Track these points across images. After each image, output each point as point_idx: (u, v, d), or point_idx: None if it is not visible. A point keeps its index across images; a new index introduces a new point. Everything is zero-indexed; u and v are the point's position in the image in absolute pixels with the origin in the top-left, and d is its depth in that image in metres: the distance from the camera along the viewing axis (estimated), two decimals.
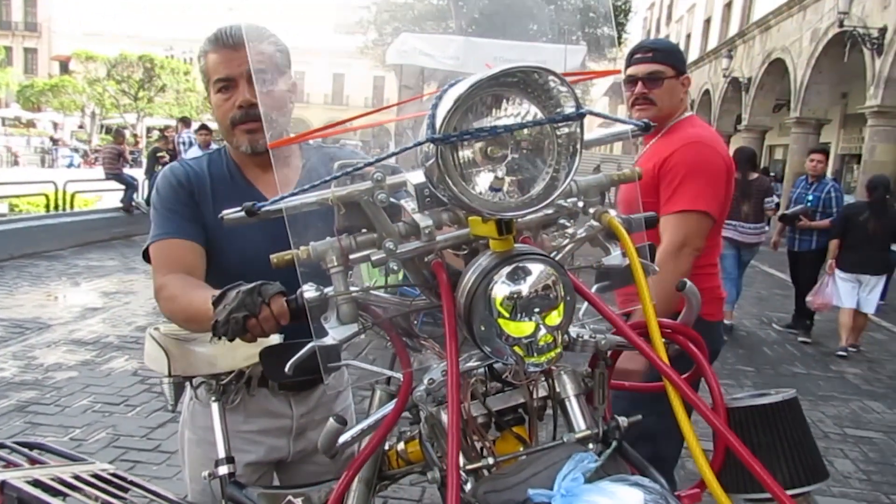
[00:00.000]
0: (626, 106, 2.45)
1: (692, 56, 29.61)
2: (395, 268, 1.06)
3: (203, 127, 11.08)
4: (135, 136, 27.74)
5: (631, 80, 2.39)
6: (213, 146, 9.59)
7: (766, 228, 7.37)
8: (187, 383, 1.69)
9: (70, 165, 28.88)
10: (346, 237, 1.07)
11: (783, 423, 1.11)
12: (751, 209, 6.79)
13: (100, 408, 4.38)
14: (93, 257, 9.64)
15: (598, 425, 1.13)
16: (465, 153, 0.93)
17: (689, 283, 1.15)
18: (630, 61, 2.43)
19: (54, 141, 34.38)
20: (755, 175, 7.11)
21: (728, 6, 25.38)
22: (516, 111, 0.92)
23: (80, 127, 40.50)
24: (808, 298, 6.87)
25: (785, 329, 7.29)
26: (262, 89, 1.54)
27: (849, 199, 9.94)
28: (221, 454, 1.57)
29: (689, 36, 31.48)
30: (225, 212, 1.07)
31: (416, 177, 1.10)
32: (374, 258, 1.06)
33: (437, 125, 0.86)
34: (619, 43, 26.58)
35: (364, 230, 1.08)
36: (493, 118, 0.92)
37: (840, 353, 6.69)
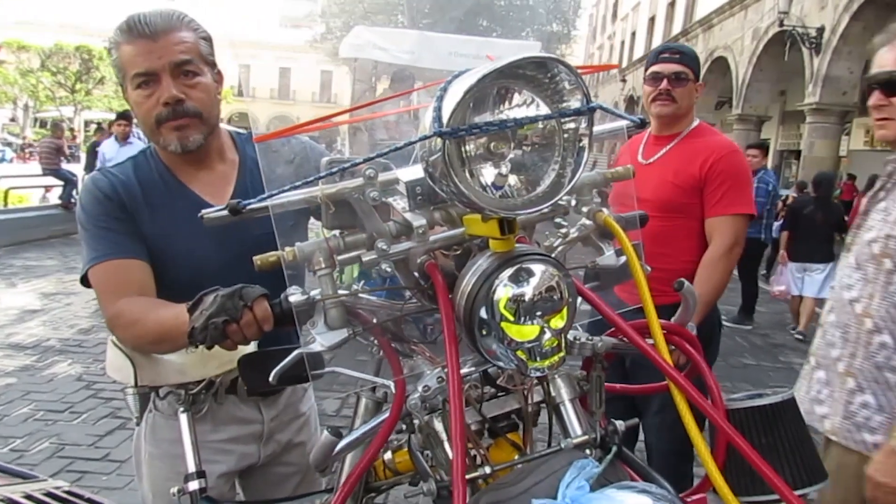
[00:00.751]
0: (646, 101, 2.64)
1: (637, 54, 30.18)
2: (388, 269, 1.01)
3: (122, 116, 9.29)
4: (72, 129, 26.74)
5: (655, 77, 2.57)
6: (134, 141, 8.87)
7: None
8: (153, 394, 1.58)
9: (2, 160, 27.73)
10: (334, 237, 1.01)
11: (784, 424, 1.10)
12: None
13: (42, 416, 4.16)
14: (30, 257, 9.24)
15: (594, 430, 1.09)
16: (469, 148, 0.88)
17: (686, 282, 1.12)
18: (656, 59, 2.60)
19: None
20: None
21: (672, 5, 25.90)
22: (523, 105, 0.88)
23: (12, 120, 38.95)
24: (769, 288, 7.55)
25: (733, 324, 7.46)
26: (194, 82, 1.46)
27: (786, 193, 10.41)
28: (192, 468, 1.47)
29: (633, 34, 32.04)
30: (205, 211, 0.99)
31: (407, 174, 1.04)
32: (364, 259, 1.00)
33: (445, 119, 0.80)
34: (569, 39, 26.91)
35: (351, 230, 1.03)
36: (499, 112, 0.87)
37: (796, 335, 7.16)
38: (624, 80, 30.86)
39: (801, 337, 7.06)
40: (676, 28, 24.33)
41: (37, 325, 6.06)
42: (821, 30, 13.34)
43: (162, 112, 1.44)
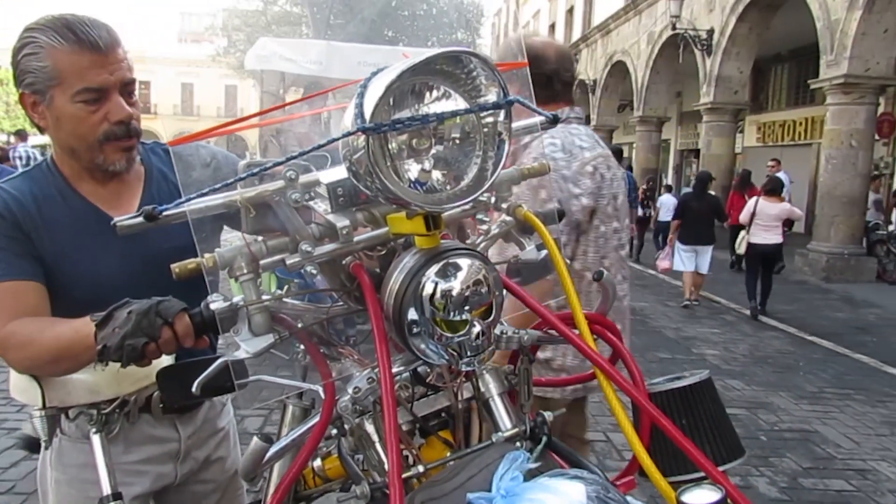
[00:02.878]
0: None
1: None
2: (313, 271, 0.99)
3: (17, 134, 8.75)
4: None
5: None
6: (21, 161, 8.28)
7: None
8: (62, 415, 1.48)
9: None
10: (255, 242, 0.98)
11: (702, 404, 1.14)
12: None
13: None
14: None
15: (524, 422, 1.11)
16: (391, 145, 0.88)
17: (605, 272, 1.15)
18: None
19: None
20: None
21: (570, 12, 26.69)
22: (441, 100, 0.88)
23: None
24: (656, 262, 9.35)
25: None
26: (131, 100, 1.41)
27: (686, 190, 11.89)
28: (107, 490, 1.39)
29: None
30: (118, 218, 0.95)
31: (328, 176, 1.03)
32: (288, 262, 0.98)
33: (367, 114, 0.80)
34: (474, 48, 27.25)
35: (273, 234, 1.00)
36: (419, 109, 0.87)
37: (685, 304, 8.85)
38: None
39: (687, 304, 8.78)
40: (576, 34, 25.08)
41: None
42: (710, 32, 14.05)
43: (115, 130, 1.37)
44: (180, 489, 1.65)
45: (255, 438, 1.00)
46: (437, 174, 0.92)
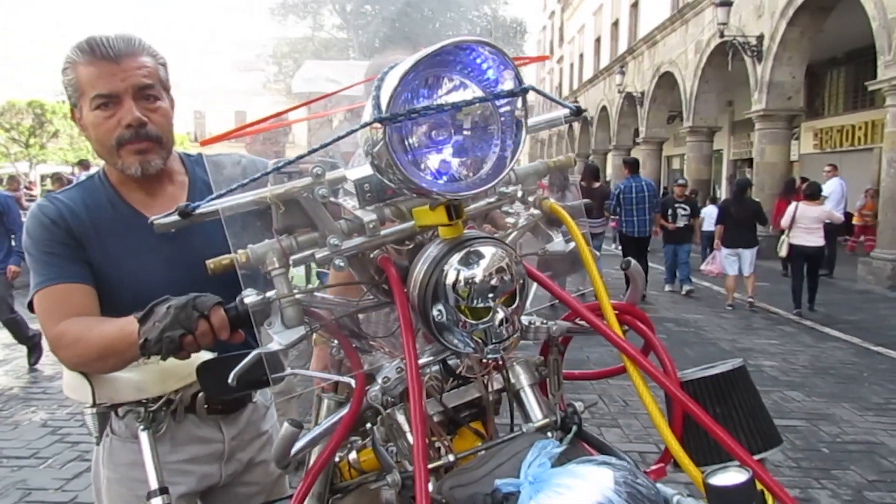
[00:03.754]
0: None
1: (587, 74, 30.80)
2: (342, 265, 1.02)
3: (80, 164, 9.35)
4: (29, 183, 26.31)
5: None
6: None
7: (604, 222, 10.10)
8: (112, 413, 1.55)
9: None
10: (286, 237, 1.02)
11: (736, 392, 1.13)
12: (594, 209, 9.17)
13: (7, 463, 4.10)
14: None
15: (555, 413, 1.11)
16: (411, 139, 0.91)
17: (633, 261, 1.16)
18: None
19: None
20: (597, 184, 10.07)
21: (615, 25, 26.55)
22: (457, 91, 0.91)
23: None
24: (702, 268, 10.14)
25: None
26: (155, 106, 1.47)
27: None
28: (154, 485, 1.44)
29: (581, 55, 32.72)
30: (154, 217, 1.00)
31: (355, 173, 1.07)
32: (318, 256, 1.01)
33: (383, 105, 0.83)
34: None
35: (303, 230, 1.04)
36: (435, 99, 0.90)
37: (729, 305, 9.32)
38: (576, 102, 31.38)
39: (731, 307, 9.25)
40: (622, 47, 24.93)
41: (0, 375, 5.95)
42: (760, 38, 13.78)
43: (124, 134, 1.44)
44: (225, 490, 1.69)
45: (286, 423, 1.03)
46: (456, 163, 0.94)
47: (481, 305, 0.95)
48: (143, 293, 1.21)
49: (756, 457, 1.11)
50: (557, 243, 1.20)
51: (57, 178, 14.07)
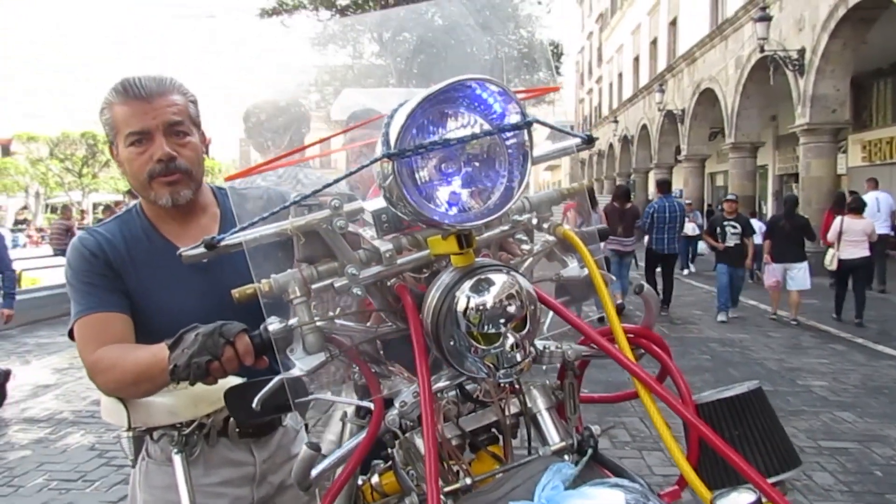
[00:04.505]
0: None
1: (626, 93, 30.65)
2: (360, 293, 1.06)
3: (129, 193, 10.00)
4: (81, 212, 27.26)
5: None
6: None
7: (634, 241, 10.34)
8: (147, 437, 1.62)
9: (15, 246, 28.14)
10: (307, 267, 1.07)
11: (752, 414, 1.13)
12: (625, 228, 9.72)
13: (56, 485, 4.21)
14: (42, 335, 9.34)
15: (571, 436, 1.13)
16: (421, 173, 0.95)
17: (646, 286, 1.17)
18: None
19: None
20: (629, 205, 10.22)
21: (654, 43, 26.42)
22: (465, 125, 0.95)
23: (25, 208, 39.69)
24: (765, 282, 9.72)
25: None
26: (184, 141, 1.53)
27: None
28: None
29: (620, 75, 32.59)
30: (182, 249, 1.06)
31: (373, 204, 1.11)
32: (337, 285, 1.06)
33: (392, 141, 0.87)
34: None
35: (324, 260, 1.08)
36: (444, 133, 0.94)
37: (771, 316, 9.64)
38: (616, 121, 31.27)
39: (774, 317, 9.56)
40: (661, 65, 24.78)
41: (50, 399, 6.14)
42: (801, 51, 13.57)
43: (155, 168, 1.52)
44: None
45: (304, 446, 1.07)
46: (466, 194, 0.98)
47: (492, 331, 0.98)
48: (176, 321, 1.27)
49: (774, 479, 1.11)
50: (572, 269, 1.23)
51: (108, 207, 14.57)
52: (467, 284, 0.98)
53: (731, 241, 9.44)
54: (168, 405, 1.49)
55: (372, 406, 1.11)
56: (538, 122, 0.96)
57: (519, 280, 1.01)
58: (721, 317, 9.49)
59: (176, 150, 1.52)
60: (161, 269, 1.55)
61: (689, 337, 8.56)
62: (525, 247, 1.23)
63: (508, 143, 0.97)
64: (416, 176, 0.94)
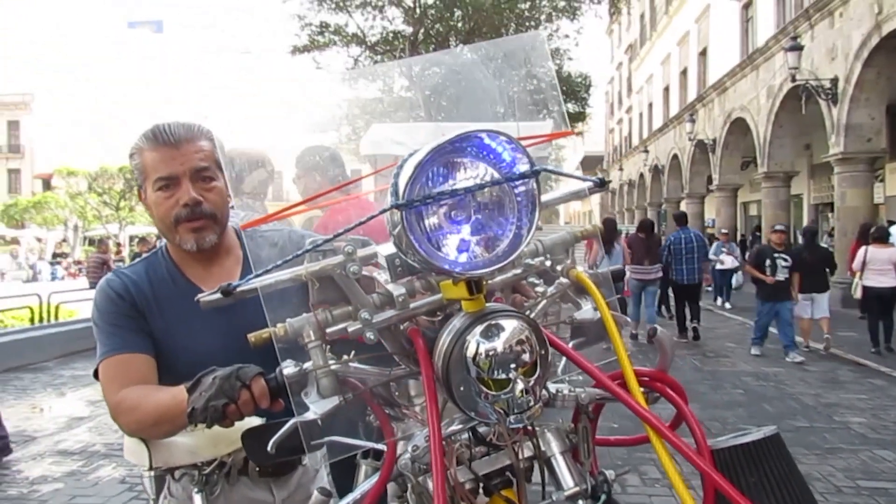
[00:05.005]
0: None
1: (656, 123, 30.58)
2: (372, 337, 1.07)
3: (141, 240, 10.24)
4: (118, 244, 27.86)
5: None
6: None
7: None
8: (168, 476, 1.64)
9: (53, 278, 28.79)
10: (321, 311, 1.08)
11: (769, 461, 1.11)
12: (650, 258, 10.25)
13: None
14: (78, 367, 9.47)
15: (585, 481, 1.12)
16: (431, 220, 0.97)
17: (659, 328, 1.17)
18: None
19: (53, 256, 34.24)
20: (653, 235, 10.82)
21: (684, 73, 26.39)
22: (474, 174, 0.96)
23: (64, 240, 40.70)
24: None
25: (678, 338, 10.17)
26: (210, 186, 1.57)
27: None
28: None
29: (650, 105, 32.57)
30: (200, 295, 1.08)
31: (387, 248, 1.13)
32: (350, 330, 1.07)
33: (400, 192, 0.89)
34: (584, 117, 27.49)
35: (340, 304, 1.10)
36: (453, 183, 0.95)
37: (805, 347, 9.38)
38: (646, 151, 31.17)
39: (807, 348, 9.37)
40: (691, 95, 24.72)
41: (84, 431, 6.21)
42: (835, 80, 13.44)
43: (181, 212, 1.56)
44: None
45: (315, 492, 1.08)
46: (475, 241, 0.99)
47: (502, 376, 0.99)
48: (199, 362, 1.30)
49: None
50: (586, 311, 1.23)
51: (143, 239, 14.87)
52: (477, 329, 0.99)
53: (782, 275, 8.82)
54: (188, 445, 1.51)
55: (385, 449, 1.12)
56: (546, 170, 0.97)
57: (529, 325, 1.02)
58: (755, 350, 9.28)
59: (202, 195, 1.56)
60: (185, 311, 1.58)
61: (722, 370, 8.41)
62: (539, 289, 1.24)
63: (517, 190, 0.98)
64: (426, 224, 0.96)
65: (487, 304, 1.03)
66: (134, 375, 1.50)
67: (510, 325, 1.00)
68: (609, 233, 10.12)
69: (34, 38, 49.59)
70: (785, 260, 8.84)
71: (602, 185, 1.19)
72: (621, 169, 39.99)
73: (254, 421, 1.22)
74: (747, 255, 14.07)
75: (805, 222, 21.69)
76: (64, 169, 39.25)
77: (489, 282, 1.13)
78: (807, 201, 21.77)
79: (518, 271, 1.19)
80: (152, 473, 1.56)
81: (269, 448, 1.07)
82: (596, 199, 50.83)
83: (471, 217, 0.99)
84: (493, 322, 1.00)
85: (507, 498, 1.15)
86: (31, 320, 11.90)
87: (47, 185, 45.12)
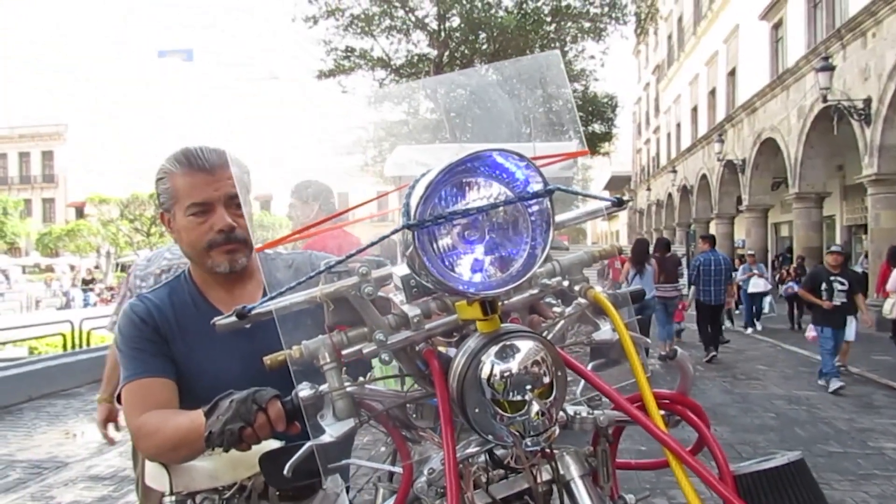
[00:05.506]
0: None
1: (684, 143, 30.37)
2: (387, 359, 1.07)
3: None
4: None
5: None
6: None
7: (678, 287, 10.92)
8: (189, 501, 1.63)
9: (86, 304, 29.25)
10: (337, 333, 1.08)
11: (793, 487, 1.08)
12: (667, 276, 10.47)
13: None
14: None
15: None
16: (445, 241, 0.96)
17: (679, 350, 1.15)
18: None
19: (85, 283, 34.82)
20: (668, 254, 11.06)
21: (712, 93, 26.23)
22: (487, 193, 0.96)
23: (97, 267, 41.43)
24: (806, 334, 9.46)
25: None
26: (241, 212, 1.57)
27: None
28: None
29: (678, 125, 32.37)
30: (216, 319, 1.09)
31: (402, 269, 1.13)
32: (365, 351, 1.07)
33: (412, 212, 0.89)
34: (610, 137, 27.40)
35: (355, 325, 1.10)
36: (466, 202, 0.95)
37: (841, 367, 8.90)
38: (674, 171, 30.95)
39: (843, 368, 9.03)
40: (720, 115, 24.53)
41: (115, 457, 6.23)
42: (868, 101, 13.24)
43: (216, 238, 1.57)
44: None
45: None
46: (488, 261, 0.99)
47: (518, 398, 0.97)
48: (219, 386, 1.30)
49: None
50: (605, 332, 1.21)
51: None
52: (492, 350, 0.98)
53: (839, 300, 8.25)
54: (208, 469, 1.51)
55: (401, 471, 1.11)
56: (560, 189, 0.97)
57: (545, 345, 1.00)
58: (835, 384, 8.13)
59: (235, 221, 1.57)
60: (206, 336, 1.58)
61: (753, 393, 8.24)
62: (557, 310, 1.22)
63: (531, 210, 0.98)
64: (439, 244, 0.95)
65: (503, 325, 1.02)
66: (155, 400, 1.50)
67: (525, 346, 0.99)
68: (641, 254, 10.07)
69: (66, 70, 50.92)
70: (841, 283, 8.28)
71: (620, 204, 1.18)
72: (649, 189, 39.72)
73: (273, 444, 1.21)
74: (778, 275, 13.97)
75: (839, 244, 21.33)
76: (96, 197, 40.06)
77: (505, 302, 1.12)
78: (839, 223, 21.39)
79: (535, 291, 1.18)
80: (173, 498, 1.56)
81: (285, 472, 1.07)
82: (624, 219, 50.45)
83: (484, 237, 0.99)
84: (508, 343, 0.99)
85: None
86: (64, 346, 12.07)
87: (80, 213, 46.10)
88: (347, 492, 1.83)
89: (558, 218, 1.22)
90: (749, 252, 16.79)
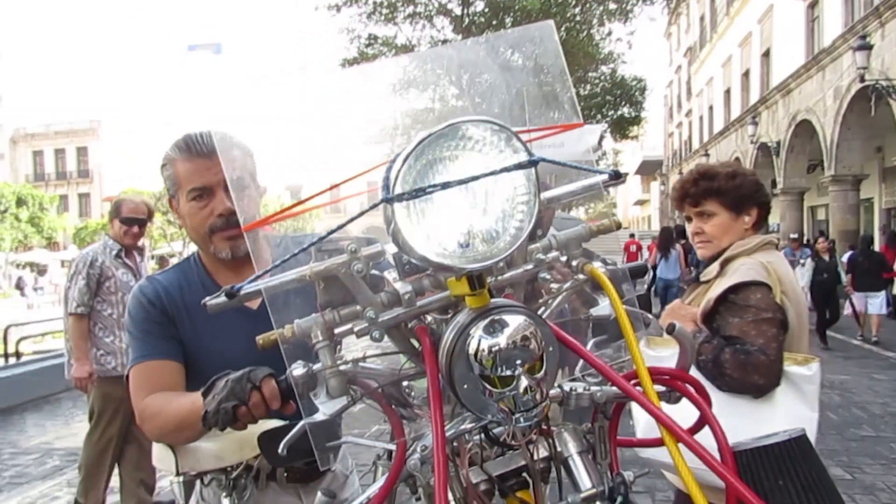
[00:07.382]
0: None
1: (717, 127, 29.85)
2: (378, 336, 1.06)
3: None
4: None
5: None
6: None
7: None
8: (197, 481, 1.65)
9: None
10: (329, 311, 1.07)
11: (794, 464, 1.05)
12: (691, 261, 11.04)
13: None
14: None
15: (603, 482, 1.08)
16: (428, 215, 0.95)
17: (678, 324, 1.12)
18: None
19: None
20: (683, 241, 11.32)
21: (746, 75, 25.72)
22: (470, 166, 0.94)
23: None
24: (845, 312, 11.34)
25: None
26: (240, 195, 1.55)
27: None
28: None
29: (711, 108, 31.82)
30: (207, 299, 1.09)
31: (393, 246, 1.12)
32: (356, 329, 1.06)
33: (391, 185, 0.88)
34: (639, 121, 27.06)
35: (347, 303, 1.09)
36: (447, 175, 0.93)
37: (860, 336, 10.97)
38: (707, 155, 30.45)
39: (860, 340, 10.80)
40: (754, 97, 24.06)
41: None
42: None
43: (216, 222, 1.58)
44: None
45: (319, 493, 1.07)
46: (476, 234, 0.97)
47: (507, 373, 0.96)
48: (225, 367, 1.31)
49: None
50: (602, 307, 1.20)
51: (161, 259, 15.17)
52: (480, 325, 0.97)
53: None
54: (214, 450, 1.52)
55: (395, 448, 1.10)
56: (545, 160, 0.95)
57: (535, 321, 0.99)
58: None
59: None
60: (213, 317, 1.57)
61: None
62: (554, 285, 1.20)
63: (516, 183, 0.96)
64: (422, 218, 0.94)
65: (492, 300, 1.01)
66: (161, 382, 1.52)
67: (514, 321, 0.97)
68: (667, 240, 11.20)
69: (99, 67, 51.86)
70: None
71: (617, 177, 1.16)
72: (681, 173, 39.13)
73: (274, 424, 1.22)
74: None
75: (877, 227, 20.83)
76: (130, 191, 40.61)
77: (498, 278, 1.11)
78: (878, 205, 20.85)
79: (529, 267, 1.16)
80: (180, 479, 1.58)
81: (280, 450, 1.07)
82: (656, 203, 49.78)
83: (469, 210, 0.97)
84: (497, 317, 0.97)
85: (522, 500, 1.12)
86: None
87: None
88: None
89: (549, 193, 1.21)
90: (792, 236, 16.22)
